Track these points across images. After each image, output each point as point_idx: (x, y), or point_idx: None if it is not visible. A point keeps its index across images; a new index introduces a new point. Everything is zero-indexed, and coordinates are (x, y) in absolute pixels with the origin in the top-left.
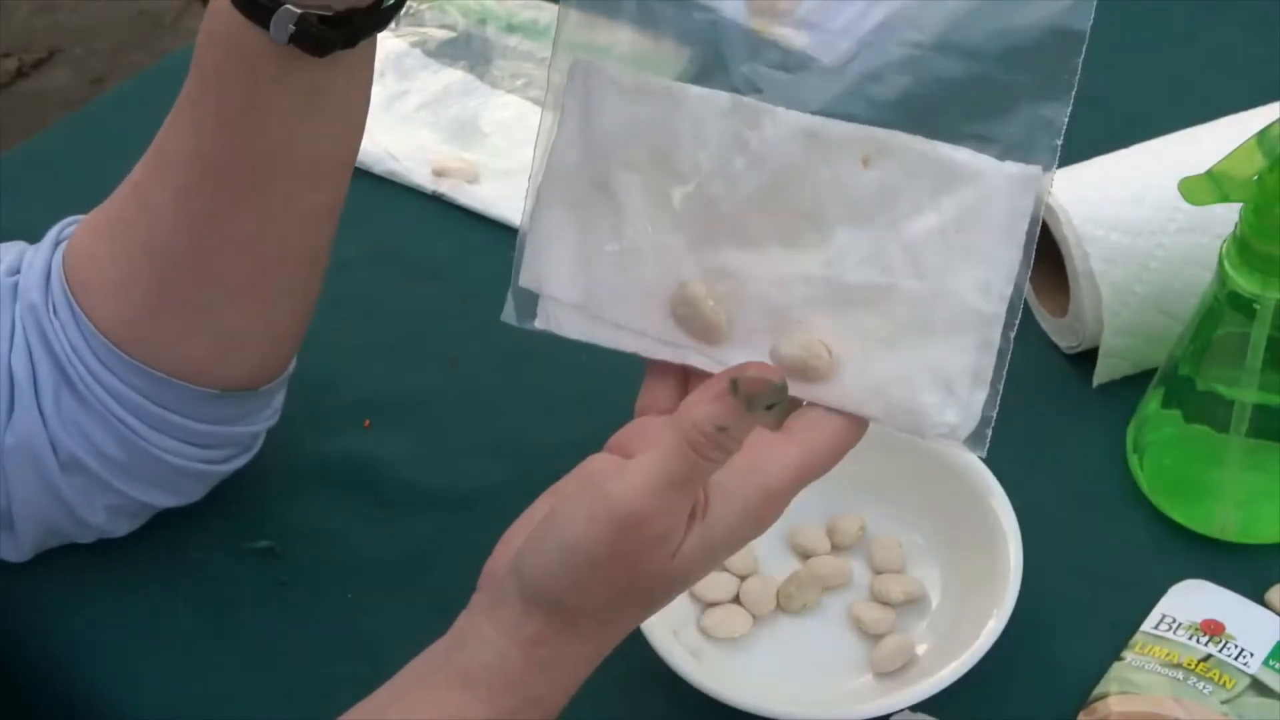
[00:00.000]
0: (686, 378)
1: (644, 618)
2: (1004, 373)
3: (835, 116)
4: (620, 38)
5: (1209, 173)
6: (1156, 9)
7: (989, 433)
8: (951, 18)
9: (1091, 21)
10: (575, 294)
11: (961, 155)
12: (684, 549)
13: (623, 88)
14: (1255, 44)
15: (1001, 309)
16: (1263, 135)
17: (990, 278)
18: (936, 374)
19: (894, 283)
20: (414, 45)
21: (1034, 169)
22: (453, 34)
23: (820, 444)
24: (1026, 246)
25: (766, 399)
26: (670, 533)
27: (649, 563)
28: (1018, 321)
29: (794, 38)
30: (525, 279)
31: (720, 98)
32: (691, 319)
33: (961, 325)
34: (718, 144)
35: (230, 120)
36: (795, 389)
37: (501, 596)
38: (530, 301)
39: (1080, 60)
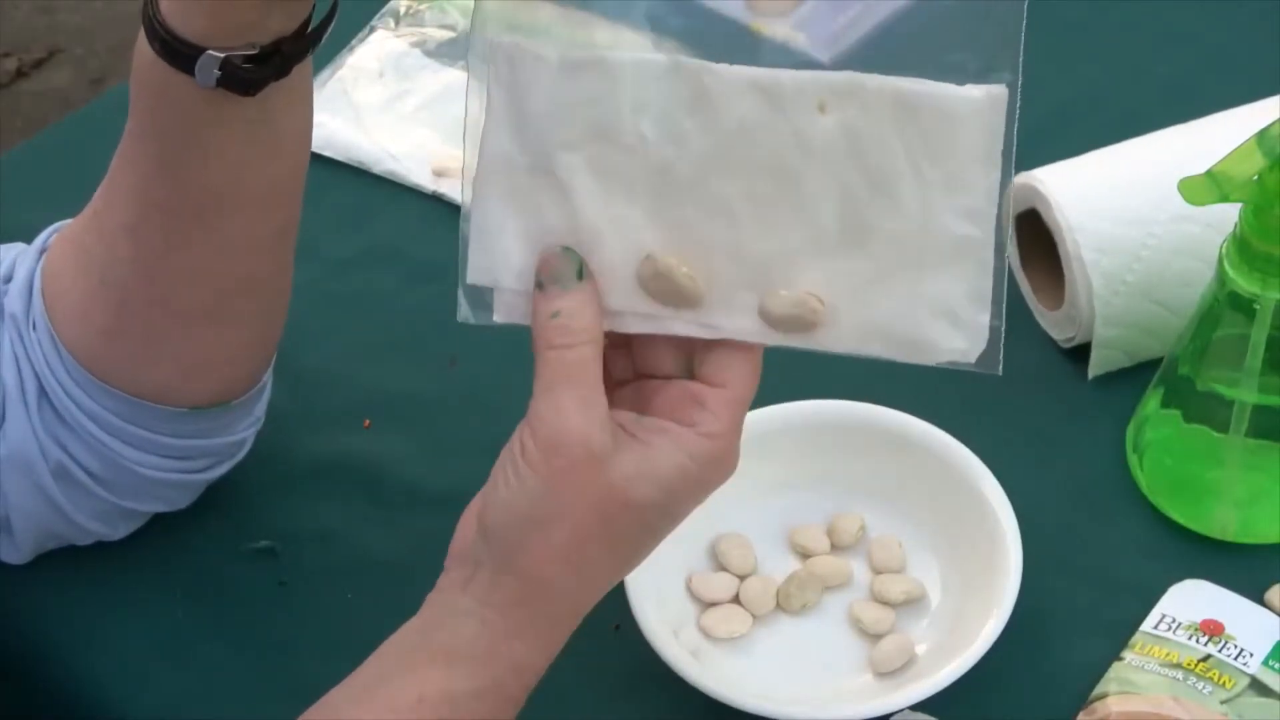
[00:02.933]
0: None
1: (619, 567)
2: (1004, 294)
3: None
4: (545, 16)
5: (1209, 173)
6: (1156, 9)
7: (1000, 350)
8: None
9: None
10: (531, 282)
11: (920, 86)
12: (625, 470)
13: (551, 65)
14: (1255, 44)
15: (990, 231)
16: (1262, 135)
17: (972, 203)
18: (936, 304)
19: (874, 224)
20: (414, 45)
21: (998, 88)
22: (453, 34)
23: (740, 376)
24: (1004, 166)
25: (568, 271)
26: (590, 441)
27: (588, 484)
28: (1008, 243)
29: (794, 37)
30: (474, 275)
31: (657, 61)
32: (664, 291)
33: (952, 254)
34: (661, 108)
35: (171, 162)
36: (793, 340)
37: (475, 568)
38: (484, 297)
39: None
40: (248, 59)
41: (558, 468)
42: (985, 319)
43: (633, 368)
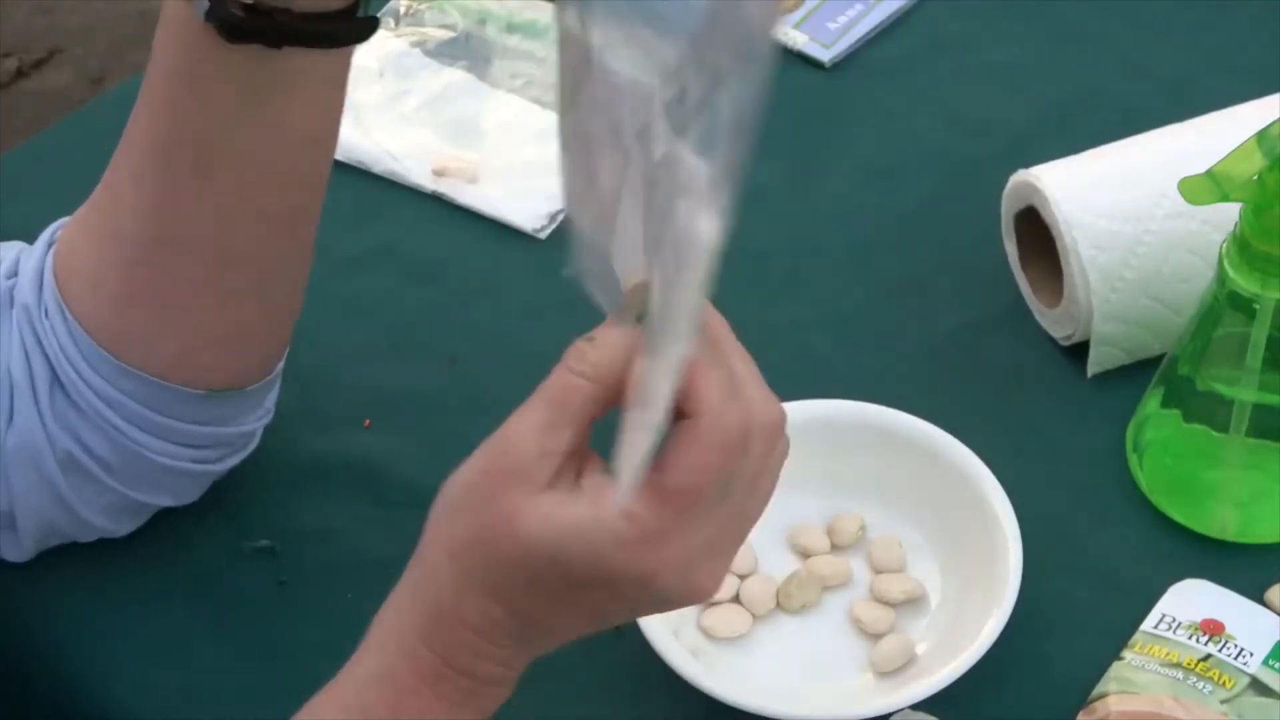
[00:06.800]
0: None
1: (499, 609)
2: None
3: None
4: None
5: (1209, 172)
6: (1156, 9)
7: None
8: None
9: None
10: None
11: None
12: (537, 504)
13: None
14: (1255, 43)
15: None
16: (1262, 135)
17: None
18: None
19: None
20: (414, 45)
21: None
22: (453, 34)
23: (680, 460)
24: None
25: (631, 310)
26: (524, 459)
27: (497, 494)
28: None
29: (794, 37)
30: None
31: None
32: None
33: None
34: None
35: (172, 101)
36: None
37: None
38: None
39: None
40: (243, 7)
41: (485, 467)
42: None
43: None
